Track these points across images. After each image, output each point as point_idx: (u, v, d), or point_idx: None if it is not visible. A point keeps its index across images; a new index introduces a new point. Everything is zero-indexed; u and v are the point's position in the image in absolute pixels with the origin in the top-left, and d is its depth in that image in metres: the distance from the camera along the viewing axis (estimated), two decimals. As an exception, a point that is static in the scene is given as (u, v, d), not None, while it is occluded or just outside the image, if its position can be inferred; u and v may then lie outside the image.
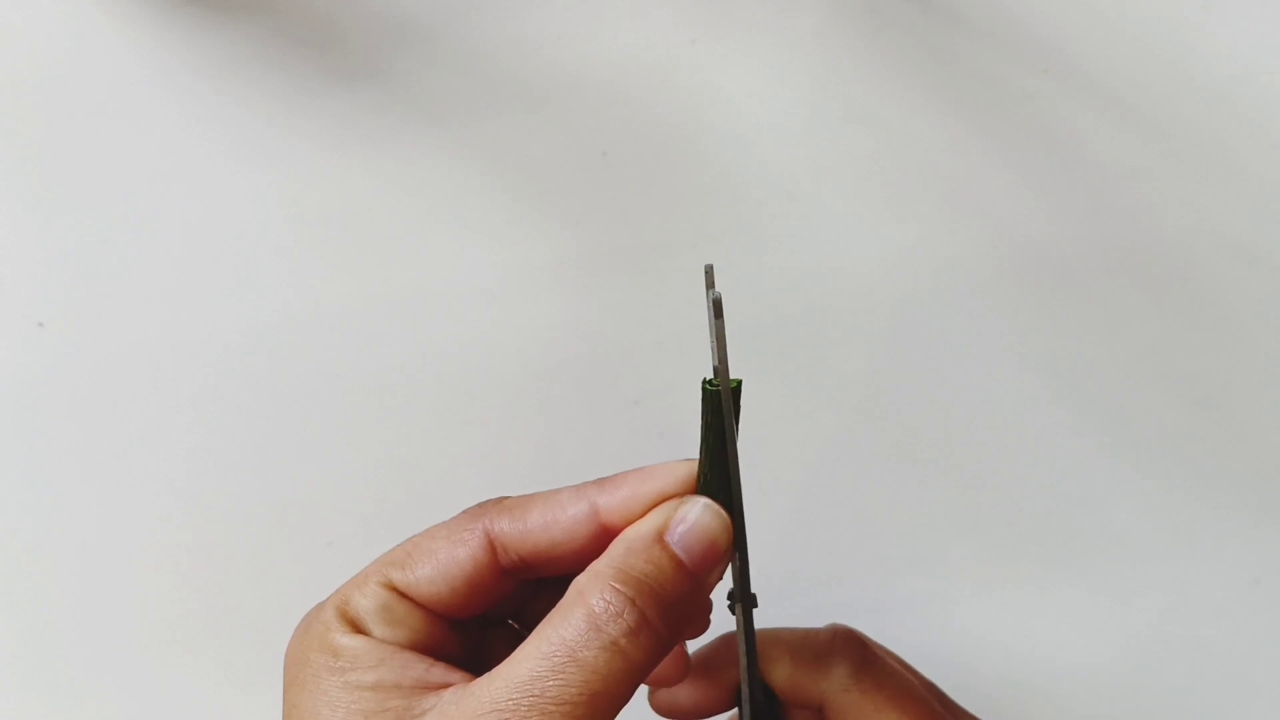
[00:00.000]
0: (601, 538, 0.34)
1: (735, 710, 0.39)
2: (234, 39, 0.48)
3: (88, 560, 0.50)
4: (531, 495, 0.35)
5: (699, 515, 0.33)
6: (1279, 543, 0.51)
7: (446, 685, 0.32)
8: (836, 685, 0.37)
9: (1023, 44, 0.49)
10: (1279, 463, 0.50)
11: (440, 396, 0.50)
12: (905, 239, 0.50)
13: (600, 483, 0.35)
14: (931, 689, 0.39)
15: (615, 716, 0.31)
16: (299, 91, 0.49)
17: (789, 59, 0.49)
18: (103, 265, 0.49)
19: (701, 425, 0.33)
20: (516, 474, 0.49)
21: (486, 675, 0.31)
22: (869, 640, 0.38)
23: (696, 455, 0.34)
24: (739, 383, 0.33)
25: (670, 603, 0.32)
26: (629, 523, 0.34)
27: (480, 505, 0.36)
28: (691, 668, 0.38)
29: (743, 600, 0.36)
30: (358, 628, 0.34)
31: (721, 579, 0.34)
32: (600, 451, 0.50)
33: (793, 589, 0.50)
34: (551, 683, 0.30)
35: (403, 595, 0.34)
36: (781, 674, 0.38)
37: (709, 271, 0.34)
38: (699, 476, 0.34)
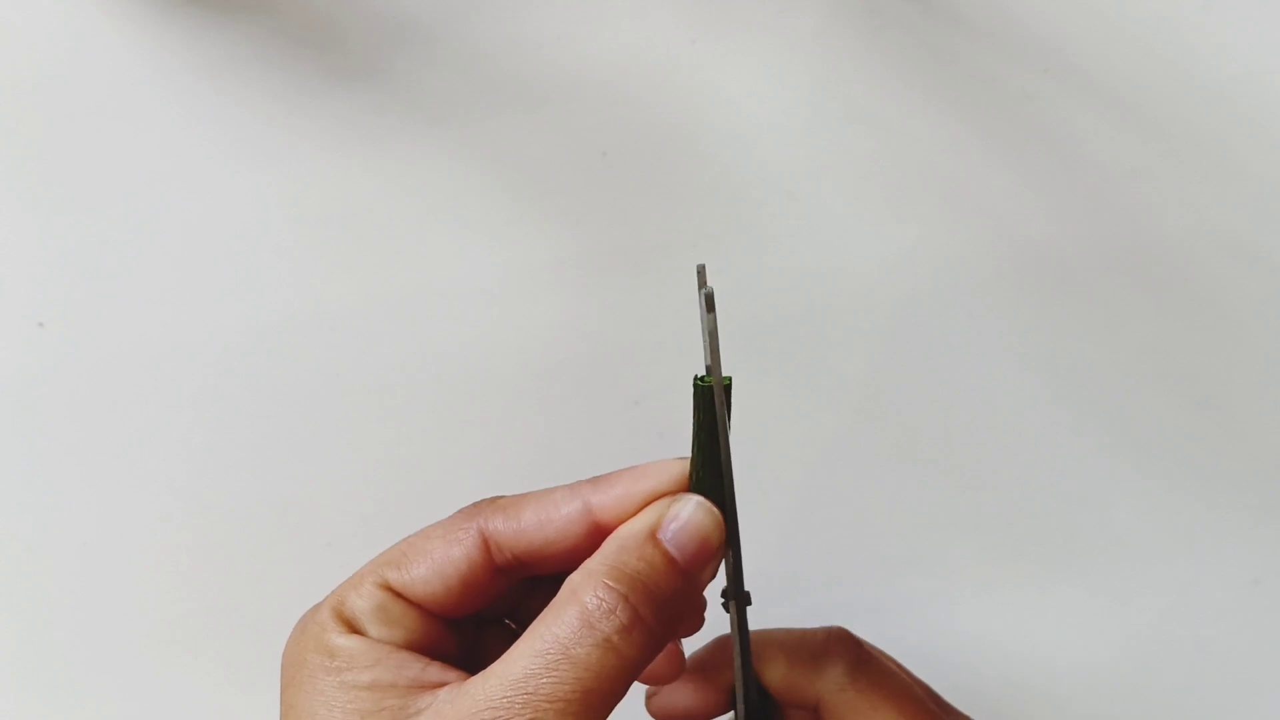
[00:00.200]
0: (595, 536, 0.34)
1: (731, 714, 0.39)
2: (234, 39, 0.49)
3: (88, 560, 0.50)
4: (525, 494, 0.35)
5: (691, 513, 0.33)
6: (1279, 543, 0.51)
7: (442, 684, 0.32)
8: (832, 685, 0.37)
9: (1023, 44, 0.49)
10: (1279, 463, 0.50)
11: (440, 396, 0.50)
12: (905, 239, 0.50)
13: (594, 481, 0.35)
14: (926, 690, 0.39)
15: (609, 713, 0.31)
16: (299, 91, 0.49)
17: (789, 59, 0.49)
18: (103, 265, 0.49)
19: (693, 423, 0.34)
20: (516, 474, 0.49)
21: (481, 673, 0.31)
22: (864, 641, 0.38)
23: (689, 454, 0.34)
24: (730, 380, 0.33)
25: (663, 600, 0.32)
26: (622, 521, 0.34)
27: (475, 505, 0.36)
28: (687, 669, 0.38)
29: (736, 598, 0.36)
30: (353, 628, 0.34)
31: (715, 576, 0.34)
32: (600, 451, 0.50)
33: (792, 589, 0.50)
34: (545, 680, 0.30)
35: (398, 595, 0.34)
36: (776, 674, 0.38)
37: (701, 271, 0.34)
38: (691, 474, 0.34)
